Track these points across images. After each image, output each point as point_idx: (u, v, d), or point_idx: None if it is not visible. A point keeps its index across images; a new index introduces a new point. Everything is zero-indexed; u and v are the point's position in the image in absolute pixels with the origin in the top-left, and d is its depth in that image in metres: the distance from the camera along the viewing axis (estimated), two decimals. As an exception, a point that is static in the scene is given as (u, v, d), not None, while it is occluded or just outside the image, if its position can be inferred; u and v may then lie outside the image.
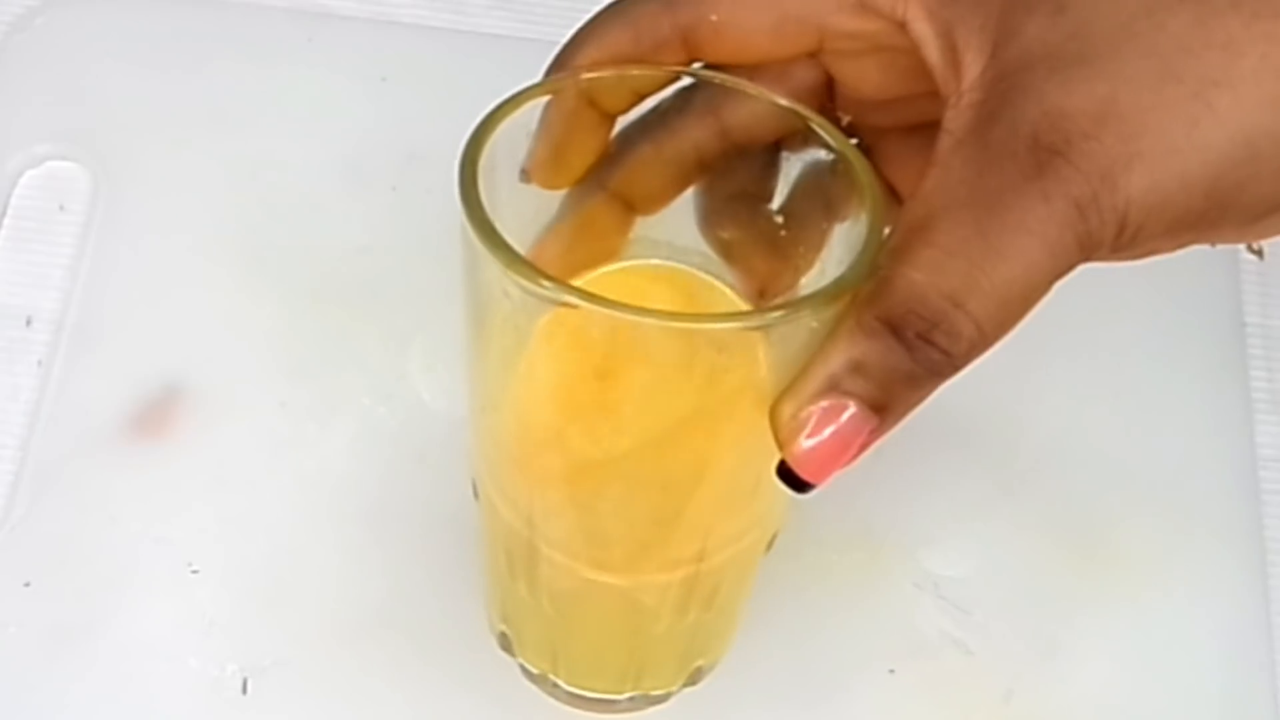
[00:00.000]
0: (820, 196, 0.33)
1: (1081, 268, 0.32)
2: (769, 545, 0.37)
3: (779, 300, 0.31)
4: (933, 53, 0.31)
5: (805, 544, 0.38)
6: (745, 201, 0.35)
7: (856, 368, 0.28)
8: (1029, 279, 0.28)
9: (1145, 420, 0.47)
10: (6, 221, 0.48)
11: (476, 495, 0.37)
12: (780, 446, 0.29)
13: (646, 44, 0.33)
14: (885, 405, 0.29)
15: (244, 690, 0.41)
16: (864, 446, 0.29)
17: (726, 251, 0.35)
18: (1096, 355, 0.48)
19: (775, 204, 0.34)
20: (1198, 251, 0.33)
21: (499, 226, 0.29)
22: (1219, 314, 0.49)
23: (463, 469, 0.39)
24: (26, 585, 0.43)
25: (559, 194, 0.35)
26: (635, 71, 0.33)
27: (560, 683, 0.40)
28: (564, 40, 0.34)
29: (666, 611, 0.36)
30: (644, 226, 0.36)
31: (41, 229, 0.48)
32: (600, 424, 0.32)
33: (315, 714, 0.41)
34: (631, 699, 0.40)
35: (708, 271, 0.36)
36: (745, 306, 0.35)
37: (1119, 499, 0.46)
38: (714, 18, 0.32)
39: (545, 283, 0.28)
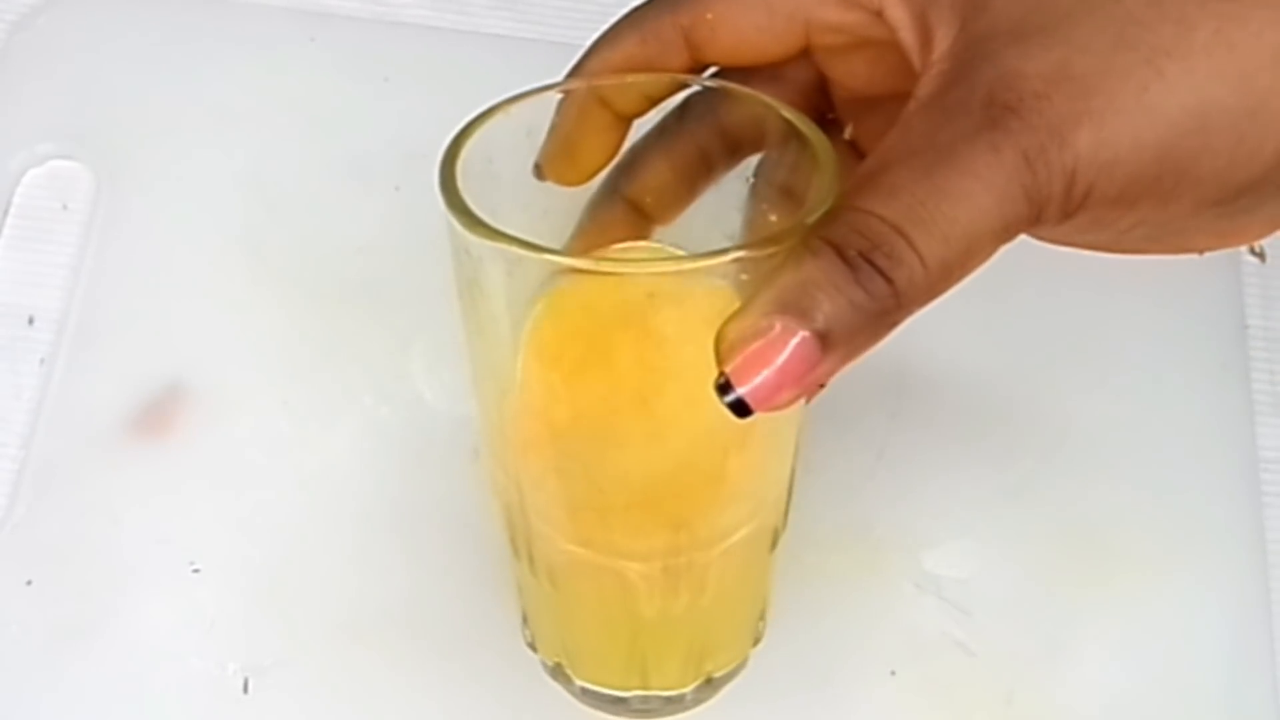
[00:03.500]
0: (798, 187, 0.34)
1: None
2: (772, 545, 0.38)
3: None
4: (908, 35, 0.32)
5: (805, 545, 0.38)
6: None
7: (801, 287, 0.28)
8: (973, 221, 0.29)
9: (1146, 421, 0.47)
10: (9, 220, 0.48)
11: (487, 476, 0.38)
12: (719, 363, 0.28)
13: (653, 46, 0.35)
14: (830, 334, 0.28)
15: (245, 690, 0.41)
16: (811, 381, 0.29)
17: None
18: (1097, 356, 0.48)
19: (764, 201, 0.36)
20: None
21: (486, 216, 0.31)
22: (1220, 316, 0.49)
23: (463, 468, 0.39)
24: (28, 584, 0.43)
25: (564, 195, 0.36)
26: (634, 78, 0.35)
27: (573, 676, 0.40)
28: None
29: (657, 594, 0.36)
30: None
31: (44, 228, 0.48)
32: (570, 386, 0.34)
33: (316, 714, 0.41)
34: (644, 700, 0.40)
35: None
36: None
37: (1120, 500, 0.46)
38: (709, 16, 0.34)
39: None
